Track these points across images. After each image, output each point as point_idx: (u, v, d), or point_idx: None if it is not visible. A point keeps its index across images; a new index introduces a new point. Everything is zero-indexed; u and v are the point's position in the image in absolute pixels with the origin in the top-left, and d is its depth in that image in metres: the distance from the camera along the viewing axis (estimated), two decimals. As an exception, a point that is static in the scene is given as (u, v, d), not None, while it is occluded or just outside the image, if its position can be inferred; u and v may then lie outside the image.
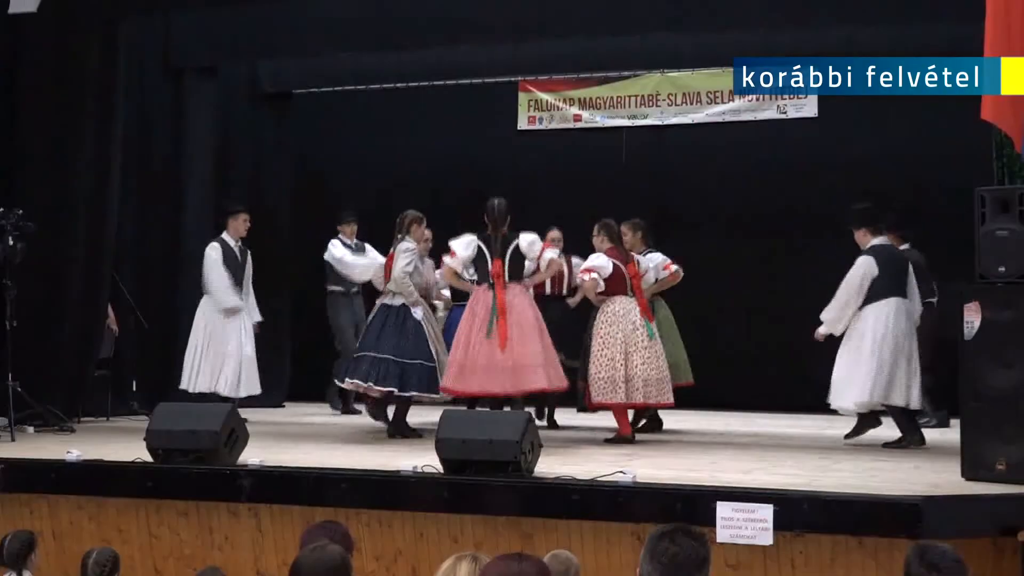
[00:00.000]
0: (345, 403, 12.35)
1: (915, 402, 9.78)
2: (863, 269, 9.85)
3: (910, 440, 9.62)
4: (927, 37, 11.20)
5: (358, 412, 12.08)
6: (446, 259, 10.14)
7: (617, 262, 10.01)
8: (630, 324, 9.90)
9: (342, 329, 12.26)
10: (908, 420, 9.76)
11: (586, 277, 10.05)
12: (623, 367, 9.81)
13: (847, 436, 10.05)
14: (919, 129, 11.88)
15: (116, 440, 9.96)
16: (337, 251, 11.68)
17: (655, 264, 10.51)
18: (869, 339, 9.72)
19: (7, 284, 10.36)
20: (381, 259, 11.00)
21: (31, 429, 10.66)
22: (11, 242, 10.35)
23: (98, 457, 9.19)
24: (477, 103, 14.19)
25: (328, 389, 12.54)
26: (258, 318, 11.89)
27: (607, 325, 9.95)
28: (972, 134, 8.11)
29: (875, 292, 9.85)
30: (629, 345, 9.85)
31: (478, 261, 10.02)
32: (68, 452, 9.26)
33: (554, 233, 10.99)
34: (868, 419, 9.93)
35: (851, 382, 9.75)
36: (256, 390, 11.70)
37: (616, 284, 10.03)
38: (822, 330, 9.97)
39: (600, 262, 10.03)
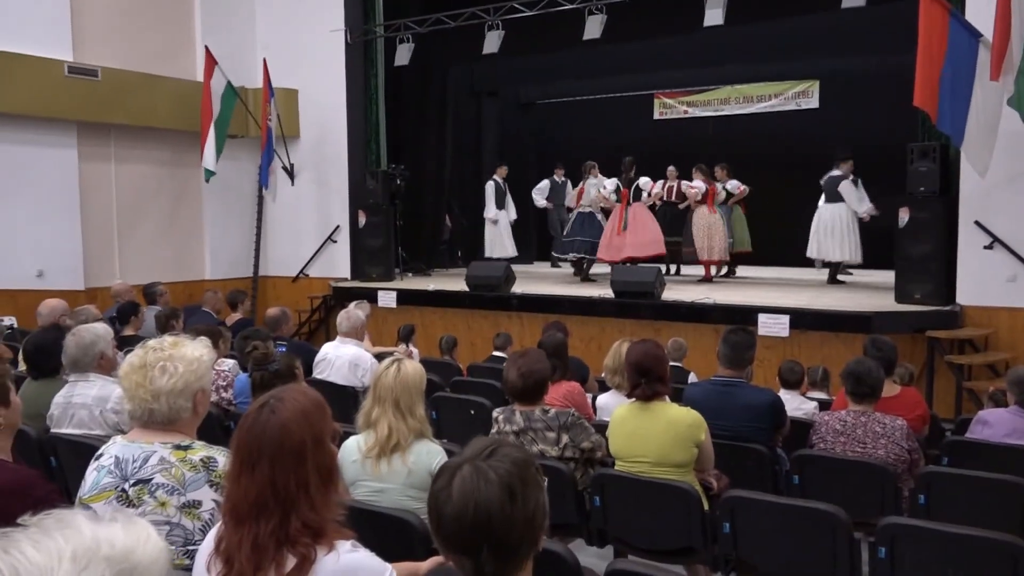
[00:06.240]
0: (554, 263, 12.29)
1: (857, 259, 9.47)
2: (853, 186, 9.34)
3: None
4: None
5: (559, 266, 12.03)
6: (601, 191, 10.08)
7: (708, 187, 9.97)
8: (712, 220, 9.85)
9: (552, 223, 12.00)
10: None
11: (692, 192, 10.02)
12: (706, 241, 9.82)
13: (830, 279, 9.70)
14: (879, 112, 11.05)
15: (452, 280, 10.22)
16: (536, 192, 11.54)
17: (734, 185, 10.25)
18: (848, 223, 9.24)
19: (397, 203, 10.64)
20: (570, 190, 11.07)
21: (410, 274, 10.99)
22: (399, 182, 10.63)
23: (443, 288, 9.57)
24: (632, 106, 13.81)
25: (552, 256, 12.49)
26: (515, 216, 11.68)
27: (699, 219, 9.91)
28: (909, 113, 7.52)
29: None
30: (710, 230, 9.80)
31: (617, 191, 9.96)
32: (428, 285, 9.69)
33: (671, 169, 10.68)
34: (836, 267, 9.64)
35: (837, 245, 9.30)
36: (514, 252, 11.33)
37: (705, 198, 9.99)
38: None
39: (700, 186, 9.99)
